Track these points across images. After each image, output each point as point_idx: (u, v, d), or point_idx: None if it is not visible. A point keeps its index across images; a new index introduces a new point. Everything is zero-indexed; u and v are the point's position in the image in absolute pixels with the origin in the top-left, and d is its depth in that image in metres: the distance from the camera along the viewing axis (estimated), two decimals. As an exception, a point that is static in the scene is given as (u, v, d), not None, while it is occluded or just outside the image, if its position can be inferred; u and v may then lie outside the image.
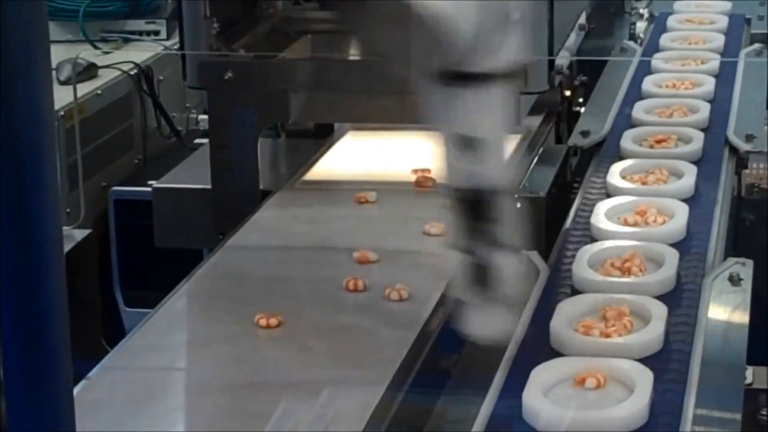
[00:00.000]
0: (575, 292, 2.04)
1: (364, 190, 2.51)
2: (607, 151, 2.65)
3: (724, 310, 1.98)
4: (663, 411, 1.72)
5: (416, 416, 1.80)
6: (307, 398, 1.77)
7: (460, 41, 1.57)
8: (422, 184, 2.43)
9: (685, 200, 2.35)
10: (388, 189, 2.53)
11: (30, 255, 1.12)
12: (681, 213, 2.28)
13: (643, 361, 1.81)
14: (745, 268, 2.06)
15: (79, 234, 3.07)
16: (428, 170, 2.47)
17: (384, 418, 1.75)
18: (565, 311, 1.93)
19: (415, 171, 2.51)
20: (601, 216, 2.27)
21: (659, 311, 1.93)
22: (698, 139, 2.64)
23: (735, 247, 2.61)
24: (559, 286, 2.07)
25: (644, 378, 1.74)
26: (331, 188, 2.59)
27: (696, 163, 2.53)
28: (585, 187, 2.49)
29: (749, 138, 2.70)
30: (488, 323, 1.70)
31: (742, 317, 1.96)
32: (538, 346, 1.87)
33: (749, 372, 1.91)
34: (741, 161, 2.70)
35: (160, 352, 1.96)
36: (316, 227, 2.36)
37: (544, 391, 1.72)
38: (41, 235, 1.12)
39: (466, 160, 1.63)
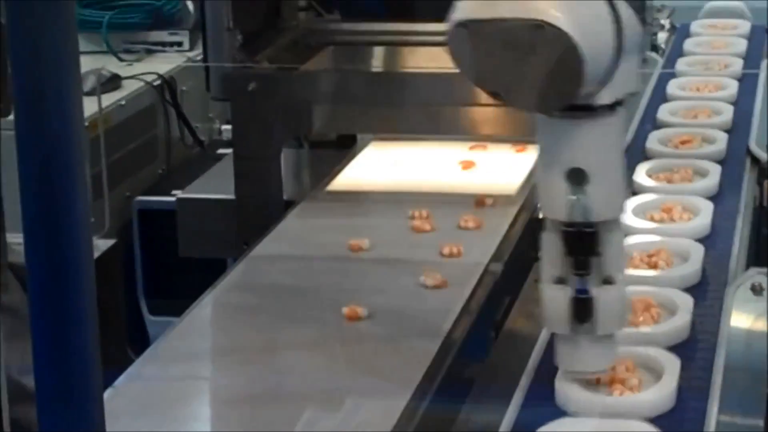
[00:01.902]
0: (605, 284, 2.08)
1: (386, 200, 2.53)
2: (633, 152, 2.66)
3: (746, 318, 1.98)
4: (690, 396, 1.75)
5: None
6: (329, 407, 1.78)
7: (597, 71, 1.53)
8: (420, 229, 2.37)
9: (709, 198, 2.39)
10: (410, 199, 2.52)
11: (59, 266, 1.13)
12: (706, 210, 2.31)
13: (673, 349, 1.85)
14: (767, 278, 2.07)
15: (104, 244, 3.08)
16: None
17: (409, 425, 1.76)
18: None
19: (412, 214, 2.40)
20: (628, 213, 2.30)
21: (686, 303, 1.96)
22: (722, 140, 2.68)
23: (757, 256, 2.61)
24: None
25: (671, 364, 1.78)
26: (354, 199, 2.60)
27: (720, 163, 2.57)
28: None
29: (772, 148, 2.70)
30: (592, 358, 1.67)
31: (764, 326, 1.97)
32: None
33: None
34: (763, 171, 2.70)
35: (185, 361, 1.96)
36: (340, 237, 2.37)
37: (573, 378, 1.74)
38: (71, 245, 1.13)
39: (578, 194, 1.59)
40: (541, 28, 1.49)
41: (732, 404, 1.74)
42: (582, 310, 1.62)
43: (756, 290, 2.04)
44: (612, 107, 1.59)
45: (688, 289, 2.04)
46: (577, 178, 1.59)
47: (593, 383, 1.74)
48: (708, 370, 1.84)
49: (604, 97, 1.58)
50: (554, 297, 1.64)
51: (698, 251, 2.15)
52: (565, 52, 1.49)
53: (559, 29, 1.49)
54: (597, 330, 1.63)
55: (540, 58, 1.51)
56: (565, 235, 1.61)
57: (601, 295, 1.62)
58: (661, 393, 1.74)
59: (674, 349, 1.86)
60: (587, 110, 1.58)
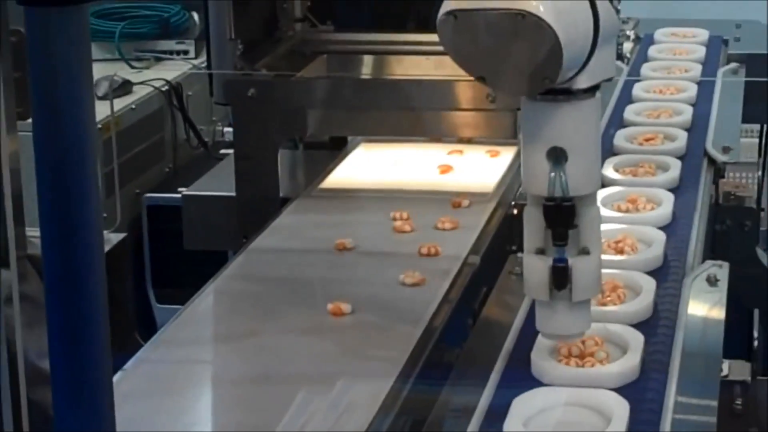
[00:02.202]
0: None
1: (373, 197, 2.52)
2: (602, 148, 2.66)
3: (703, 307, 1.99)
4: (652, 369, 1.78)
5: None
6: (322, 388, 1.77)
7: (575, 57, 1.54)
8: (401, 230, 2.34)
9: (670, 190, 2.43)
10: (399, 196, 2.52)
11: (74, 257, 1.13)
12: (667, 201, 2.35)
13: (636, 326, 1.87)
14: (721, 270, 2.07)
15: (115, 237, 3.07)
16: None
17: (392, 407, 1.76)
18: None
19: (394, 215, 2.38)
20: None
21: (649, 284, 1.99)
22: (682, 138, 2.71)
23: (713, 250, 2.61)
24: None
25: (635, 339, 1.81)
26: (345, 196, 2.60)
27: (680, 158, 2.61)
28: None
29: (726, 150, 2.70)
30: (569, 323, 1.67)
31: (719, 315, 1.97)
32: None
33: (725, 365, 1.92)
34: (718, 171, 2.70)
35: (189, 346, 1.96)
36: (331, 232, 2.36)
37: (549, 351, 1.76)
38: (84, 239, 1.13)
39: (559, 171, 1.60)
40: (522, 16, 1.50)
41: (689, 387, 1.74)
42: (560, 277, 1.63)
43: (711, 281, 2.05)
44: (589, 91, 1.60)
45: (651, 272, 2.06)
46: (556, 156, 1.60)
47: (566, 357, 1.75)
48: (669, 345, 1.86)
49: (582, 82, 1.59)
50: (535, 266, 1.64)
51: (660, 238, 2.17)
52: (545, 40, 1.50)
53: (539, 18, 1.49)
54: (573, 297, 1.64)
55: (522, 45, 1.52)
56: (546, 208, 1.62)
57: (577, 264, 1.63)
58: (626, 365, 1.76)
59: (638, 326, 1.88)
60: (567, 93, 1.59)
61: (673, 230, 2.26)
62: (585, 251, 1.64)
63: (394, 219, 2.34)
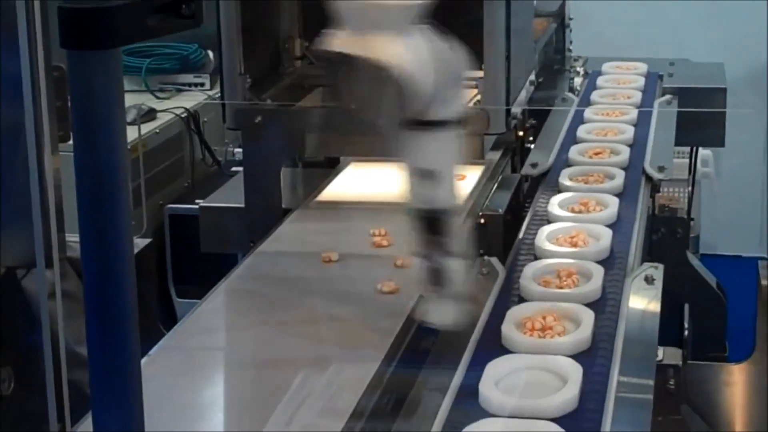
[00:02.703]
0: (536, 259, 2.14)
1: (361, 208, 2.51)
2: (551, 179, 2.67)
3: (641, 302, 2.00)
4: (601, 339, 1.82)
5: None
6: (317, 370, 1.78)
7: (421, 96, 1.57)
8: (379, 245, 2.32)
9: (616, 195, 2.47)
10: (381, 207, 2.51)
11: (107, 259, 1.13)
12: (613, 204, 2.39)
13: (587, 305, 1.91)
14: (657, 271, 2.08)
15: (142, 242, 3.07)
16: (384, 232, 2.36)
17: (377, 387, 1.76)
18: (530, 271, 2.04)
19: (373, 232, 2.35)
20: (554, 205, 2.40)
21: (598, 271, 2.03)
22: (625, 152, 2.75)
23: (650, 253, 2.62)
24: (515, 279, 2.08)
25: (587, 315, 1.85)
26: (336, 208, 2.59)
27: (624, 169, 2.64)
28: (534, 206, 2.52)
29: (661, 169, 2.71)
30: (444, 314, 1.70)
31: (655, 308, 1.98)
32: (509, 298, 1.97)
33: (660, 351, 1.93)
34: (655, 187, 2.72)
35: (205, 335, 1.96)
36: (325, 238, 2.36)
37: (515, 323, 1.81)
38: (116, 243, 1.13)
39: (425, 188, 1.64)
40: (380, 66, 1.55)
41: (629, 369, 1.75)
42: (435, 277, 1.67)
43: (649, 281, 2.05)
44: (443, 124, 1.63)
45: (600, 261, 2.10)
46: (423, 175, 1.64)
47: (530, 330, 1.80)
48: (614, 320, 1.89)
49: (442, 114, 1.62)
50: (417, 267, 1.70)
51: (608, 234, 2.21)
52: (395, 82, 1.55)
53: (392, 66, 1.55)
54: (448, 293, 1.69)
55: (379, 88, 1.56)
56: (418, 219, 1.69)
57: (449, 265, 1.68)
58: (579, 337, 1.80)
59: (589, 305, 1.91)
60: (431, 125, 1.62)
61: (618, 227, 2.29)
62: (455, 254, 1.69)
63: (374, 235, 2.32)
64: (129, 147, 3.25)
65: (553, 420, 1.58)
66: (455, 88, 1.65)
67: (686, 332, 3.05)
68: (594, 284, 1.98)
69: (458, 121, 1.65)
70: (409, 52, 1.58)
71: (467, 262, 1.70)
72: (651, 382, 1.74)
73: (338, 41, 1.61)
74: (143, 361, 1.78)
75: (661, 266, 2.11)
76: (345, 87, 1.61)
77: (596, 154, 2.73)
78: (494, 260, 2.14)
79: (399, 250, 2.24)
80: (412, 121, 1.62)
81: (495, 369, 1.70)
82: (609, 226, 2.27)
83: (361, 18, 1.59)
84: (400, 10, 1.58)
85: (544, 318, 1.82)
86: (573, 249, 2.14)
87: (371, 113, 1.63)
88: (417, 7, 1.60)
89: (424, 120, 1.62)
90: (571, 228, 2.22)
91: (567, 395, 1.63)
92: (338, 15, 1.61)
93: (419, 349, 1.93)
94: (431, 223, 1.65)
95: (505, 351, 1.77)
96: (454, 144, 1.67)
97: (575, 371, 1.69)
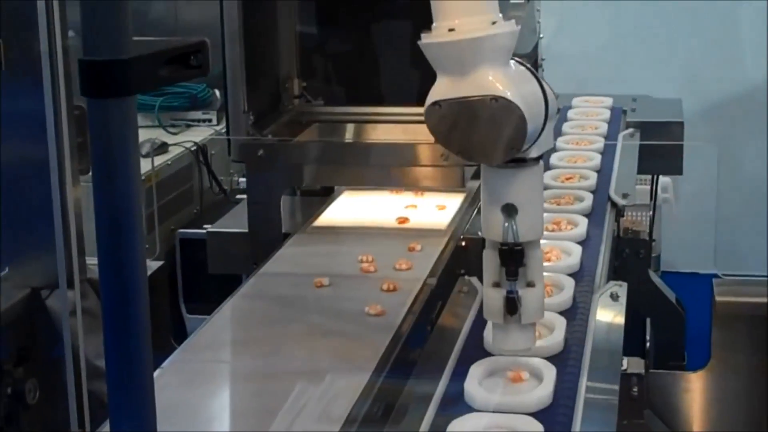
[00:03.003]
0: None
1: (354, 233, 2.51)
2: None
3: (607, 316, 2.00)
4: (573, 344, 1.81)
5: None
6: (315, 380, 1.78)
7: (529, 133, 1.50)
8: (367, 270, 2.28)
9: (585, 215, 2.46)
10: (371, 233, 2.51)
11: (124, 280, 1.14)
12: (582, 223, 2.38)
13: (560, 313, 1.92)
14: (621, 289, 2.09)
15: (155, 264, 3.06)
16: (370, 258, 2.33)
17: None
18: None
19: (361, 258, 2.31)
20: None
21: (569, 283, 2.03)
22: (593, 178, 2.74)
23: (615, 272, 2.63)
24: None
25: (560, 322, 1.85)
26: (332, 232, 2.59)
27: (592, 192, 2.63)
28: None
29: (625, 195, 2.72)
30: (518, 341, 1.64)
31: (619, 322, 1.98)
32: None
33: (624, 361, 1.93)
34: (619, 212, 2.72)
35: (213, 348, 1.96)
36: (321, 260, 2.36)
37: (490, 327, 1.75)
38: (131, 265, 1.14)
39: (509, 221, 1.57)
40: (496, 100, 1.47)
41: (597, 376, 1.75)
42: (512, 306, 1.60)
43: (614, 297, 2.06)
44: (537, 160, 1.58)
45: (571, 274, 2.10)
46: (509, 210, 1.57)
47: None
48: (584, 326, 1.89)
49: (533, 152, 1.56)
50: (492, 296, 1.61)
51: (578, 250, 2.21)
52: (514, 117, 1.47)
53: (509, 100, 1.47)
54: (522, 320, 1.61)
55: (495, 123, 1.48)
56: (501, 251, 1.59)
57: (525, 294, 1.60)
58: (553, 341, 1.80)
59: (562, 313, 1.92)
60: (520, 162, 1.56)
61: (587, 244, 2.28)
62: (531, 284, 1.60)
63: (362, 261, 2.29)
64: (143, 178, 3.29)
65: (530, 414, 1.59)
66: (549, 125, 1.56)
67: (648, 343, 3.05)
68: (566, 294, 1.99)
69: (542, 158, 1.58)
70: (518, 85, 1.48)
71: (543, 292, 1.63)
72: (616, 388, 1.74)
73: (442, 88, 1.50)
74: (156, 372, 1.78)
75: (624, 284, 2.11)
76: (456, 133, 1.49)
77: (567, 179, 2.74)
78: (474, 279, 2.14)
79: (384, 274, 2.23)
80: (511, 159, 1.53)
81: (477, 369, 1.71)
82: (579, 243, 2.27)
83: (457, 58, 1.48)
84: (495, 40, 1.47)
85: None
86: (547, 263, 2.14)
87: (478, 153, 1.51)
88: (511, 36, 1.49)
89: (523, 158, 1.54)
90: (545, 244, 2.22)
91: (543, 392, 1.64)
92: (434, 62, 1.50)
93: (407, 361, 1.93)
94: (513, 254, 1.58)
95: (487, 354, 1.77)
96: (540, 179, 1.60)
97: (550, 370, 1.70)
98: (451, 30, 1.48)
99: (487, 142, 1.49)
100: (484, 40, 1.47)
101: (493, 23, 1.48)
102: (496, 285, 1.61)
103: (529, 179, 1.57)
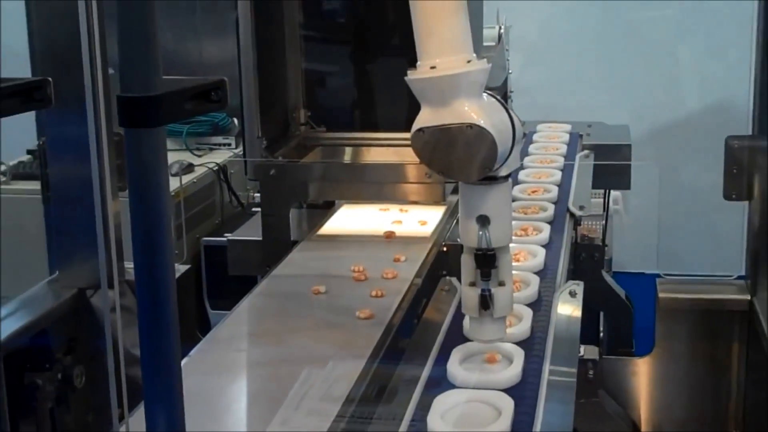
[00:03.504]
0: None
1: (350, 241, 2.50)
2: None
3: (567, 310, 2.00)
4: (537, 332, 1.80)
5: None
6: (319, 366, 1.78)
7: (499, 155, 1.50)
8: (358, 279, 2.26)
9: (548, 222, 2.45)
10: (366, 241, 2.51)
11: (156, 281, 1.13)
12: (546, 230, 2.36)
13: (527, 305, 1.90)
14: (578, 287, 2.08)
15: (183, 268, 3.05)
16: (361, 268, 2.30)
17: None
18: None
19: (353, 268, 2.29)
20: None
21: (535, 280, 2.02)
22: (555, 191, 2.72)
23: (574, 272, 2.63)
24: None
25: (527, 312, 1.85)
26: (334, 240, 2.58)
27: (554, 203, 2.62)
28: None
29: (581, 207, 2.72)
30: (491, 332, 1.63)
31: (577, 315, 1.98)
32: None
33: (581, 348, 1.93)
34: (577, 221, 2.72)
35: (233, 340, 1.95)
36: (324, 264, 2.36)
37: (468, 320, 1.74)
38: (162, 268, 1.13)
39: (483, 230, 1.56)
40: (470, 127, 1.48)
41: (558, 360, 1.75)
42: (485, 302, 1.59)
43: (572, 294, 2.05)
44: (506, 177, 1.58)
45: (537, 273, 2.08)
46: (483, 221, 1.57)
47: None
48: (547, 318, 1.87)
49: (503, 171, 1.56)
50: (469, 294, 1.61)
51: (542, 252, 2.19)
52: (487, 142, 1.48)
53: (482, 128, 1.47)
54: (494, 314, 1.61)
55: (470, 147, 1.48)
56: (476, 256, 1.59)
57: (497, 292, 1.60)
58: (522, 329, 1.79)
59: (529, 305, 1.90)
60: (492, 179, 1.56)
61: (550, 247, 2.28)
62: (502, 283, 1.60)
63: (354, 271, 2.27)
64: (172, 194, 3.29)
65: (503, 390, 1.59)
66: (516, 148, 1.56)
67: (602, 333, 3.06)
68: (532, 289, 1.97)
69: (510, 175, 1.58)
70: (490, 114, 1.49)
71: (512, 290, 1.63)
72: (575, 371, 1.74)
73: (425, 116, 1.49)
74: (184, 361, 1.79)
75: (581, 283, 2.10)
76: (437, 155, 1.49)
77: (533, 192, 2.73)
78: (453, 279, 2.14)
79: (373, 282, 2.21)
80: (485, 177, 1.53)
81: (459, 352, 1.70)
82: (543, 246, 2.26)
83: (438, 91, 1.48)
84: (470, 76, 1.48)
85: None
86: (516, 263, 2.13)
87: (456, 172, 1.51)
88: (483, 73, 1.50)
89: (495, 176, 1.54)
90: (515, 247, 2.21)
91: (513, 372, 1.64)
92: (419, 95, 1.51)
93: (396, 349, 1.93)
94: (486, 258, 1.57)
95: (466, 340, 1.76)
96: (509, 194, 1.59)
97: (519, 353, 1.69)
98: (432, 67, 1.49)
99: (464, 162, 1.50)
100: (460, 76, 1.48)
101: (468, 62, 1.49)
102: (472, 284, 1.60)
103: (499, 194, 1.57)
